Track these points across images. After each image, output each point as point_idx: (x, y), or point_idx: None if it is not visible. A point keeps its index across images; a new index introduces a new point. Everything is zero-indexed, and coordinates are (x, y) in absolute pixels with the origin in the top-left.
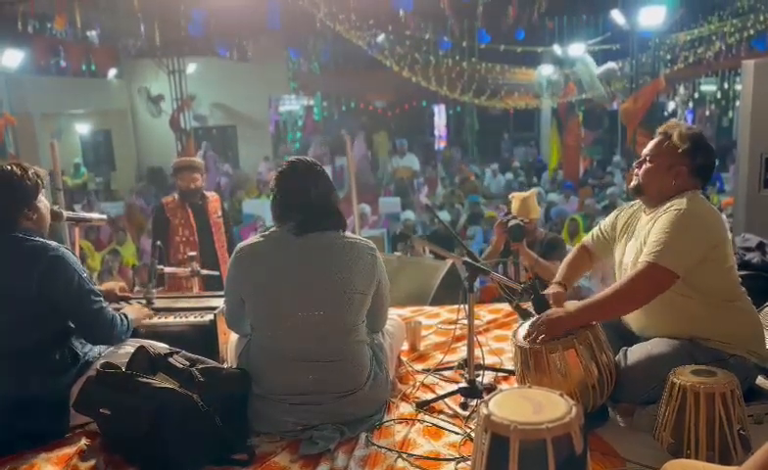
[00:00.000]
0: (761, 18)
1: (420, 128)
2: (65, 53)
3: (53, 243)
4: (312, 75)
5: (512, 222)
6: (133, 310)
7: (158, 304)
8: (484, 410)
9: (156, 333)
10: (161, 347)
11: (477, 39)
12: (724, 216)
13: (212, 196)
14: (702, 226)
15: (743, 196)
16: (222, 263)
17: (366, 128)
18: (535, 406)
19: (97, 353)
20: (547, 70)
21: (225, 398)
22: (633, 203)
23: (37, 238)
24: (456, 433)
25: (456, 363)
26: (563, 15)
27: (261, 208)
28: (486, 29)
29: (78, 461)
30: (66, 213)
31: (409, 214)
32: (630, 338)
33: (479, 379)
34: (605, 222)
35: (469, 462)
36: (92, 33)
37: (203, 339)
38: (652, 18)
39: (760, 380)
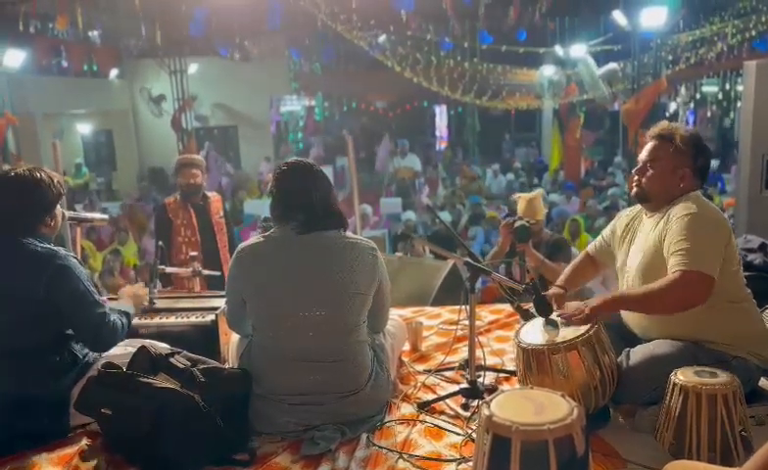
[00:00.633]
0: (763, 19)
1: (422, 129)
2: (66, 53)
3: (61, 250)
4: (313, 76)
5: (518, 223)
6: (129, 298)
7: (159, 304)
8: (485, 411)
9: (157, 333)
10: (162, 347)
11: (479, 40)
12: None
13: (213, 196)
14: (714, 226)
15: (744, 197)
16: (224, 264)
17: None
18: (537, 407)
19: (98, 354)
20: (548, 71)
21: (226, 398)
22: (632, 208)
23: (47, 244)
24: (458, 434)
25: (457, 364)
26: (565, 15)
27: (262, 208)
28: (487, 30)
29: (79, 461)
30: (67, 213)
31: (411, 215)
32: (632, 339)
33: (480, 380)
34: (606, 231)
35: (471, 463)
36: (94, 33)
37: (204, 339)
38: (654, 18)
39: (763, 381)
